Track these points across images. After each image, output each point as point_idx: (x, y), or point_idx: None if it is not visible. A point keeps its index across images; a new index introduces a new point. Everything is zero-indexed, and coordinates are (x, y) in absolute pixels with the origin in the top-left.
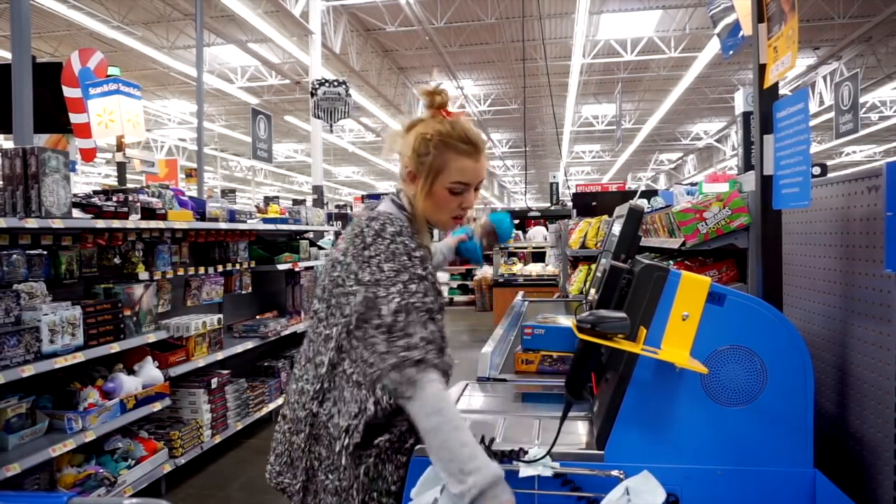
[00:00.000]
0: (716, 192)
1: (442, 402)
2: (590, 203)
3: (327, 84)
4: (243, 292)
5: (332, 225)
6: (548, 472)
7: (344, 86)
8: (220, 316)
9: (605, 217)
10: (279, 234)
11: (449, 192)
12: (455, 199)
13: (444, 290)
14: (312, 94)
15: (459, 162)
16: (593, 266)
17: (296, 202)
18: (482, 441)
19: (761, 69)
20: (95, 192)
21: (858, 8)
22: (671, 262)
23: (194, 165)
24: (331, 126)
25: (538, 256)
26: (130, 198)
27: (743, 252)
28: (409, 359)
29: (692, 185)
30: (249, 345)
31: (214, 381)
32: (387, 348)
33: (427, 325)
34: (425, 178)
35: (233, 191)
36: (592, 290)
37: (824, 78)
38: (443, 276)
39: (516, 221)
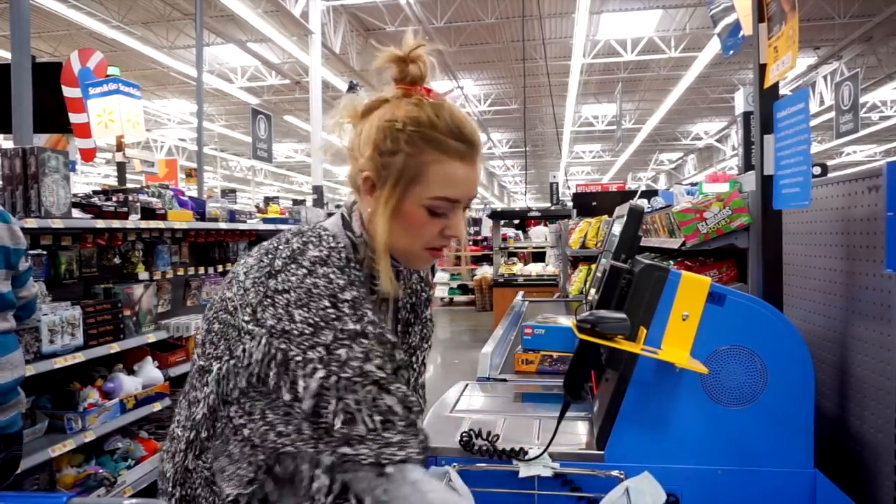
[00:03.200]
0: (716, 192)
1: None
2: (590, 203)
3: (360, 87)
4: None
5: None
6: (548, 473)
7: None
8: None
9: (605, 217)
10: None
11: (427, 211)
12: (435, 223)
13: (444, 291)
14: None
15: (446, 167)
16: (593, 266)
17: (296, 202)
18: (488, 437)
19: (762, 69)
20: (95, 192)
21: (859, 8)
22: (671, 262)
23: (194, 165)
24: None
25: (538, 256)
26: (130, 198)
27: (743, 252)
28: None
29: (692, 185)
30: None
31: None
32: (328, 447)
33: (379, 403)
34: (392, 188)
35: (233, 191)
36: (592, 290)
37: (825, 78)
38: (443, 276)
39: (516, 221)
